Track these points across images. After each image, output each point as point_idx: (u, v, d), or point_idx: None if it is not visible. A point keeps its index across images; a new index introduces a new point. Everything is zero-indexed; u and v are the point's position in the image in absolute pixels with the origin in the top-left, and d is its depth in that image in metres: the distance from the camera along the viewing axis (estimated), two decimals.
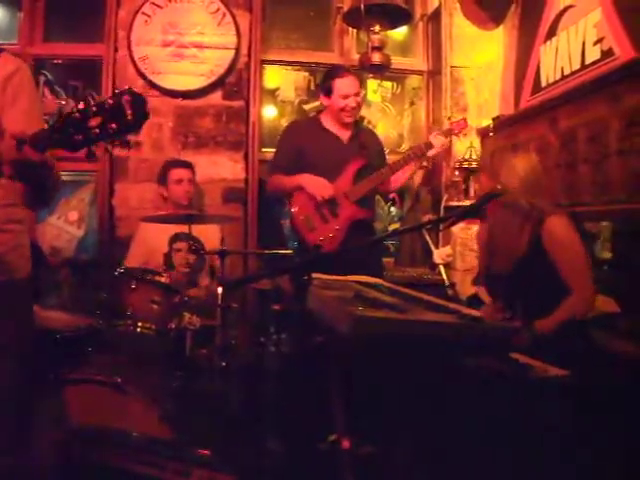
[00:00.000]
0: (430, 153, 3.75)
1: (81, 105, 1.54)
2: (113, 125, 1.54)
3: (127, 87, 1.57)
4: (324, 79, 3.78)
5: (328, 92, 3.66)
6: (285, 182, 3.65)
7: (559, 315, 2.56)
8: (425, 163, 3.87)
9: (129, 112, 1.53)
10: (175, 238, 3.88)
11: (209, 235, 3.92)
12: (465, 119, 3.95)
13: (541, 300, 2.59)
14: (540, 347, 2.35)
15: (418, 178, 4.93)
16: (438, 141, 3.69)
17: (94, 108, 1.54)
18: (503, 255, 2.75)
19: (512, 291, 2.73)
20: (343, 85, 3.64)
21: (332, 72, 3.80)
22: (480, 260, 3.06)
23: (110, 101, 1.54)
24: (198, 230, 3.67)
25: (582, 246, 2.64)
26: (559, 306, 2.57)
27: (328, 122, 3.73)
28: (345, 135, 3.72)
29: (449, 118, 4.57)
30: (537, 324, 2.52)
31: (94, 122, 1.54)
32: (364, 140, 3.74)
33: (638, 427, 2.25)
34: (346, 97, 3.63)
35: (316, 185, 3.55)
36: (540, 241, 2.61)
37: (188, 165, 4.12)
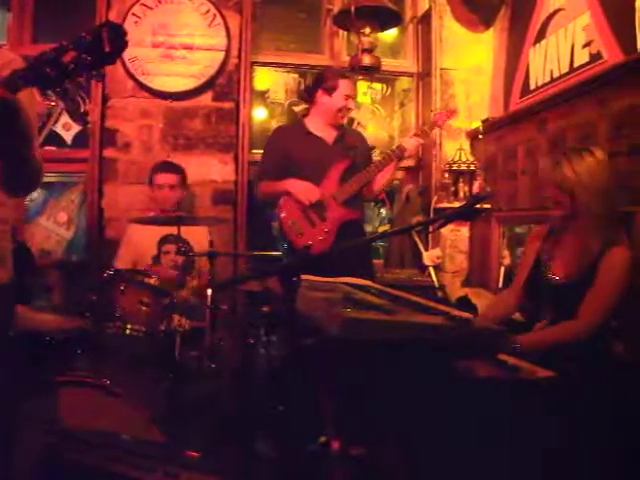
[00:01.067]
0: (406, 154, 3.73)
1: (57, 44, 1.51)
2: (88, 58, 1.50)
3: (105, 20, 1.53)
4: (327, 77, 3.75)
5: (331, 90, 3.67)
6: (273, 188, 3.66)
7: (547, 336, 2.53)
8: (412, 163, 3.85)
9: (107, 44, 1.49)
10: (164, 240, 3.88)
11: (198, 237, 3.91)
12: (450, 110, 3.96)
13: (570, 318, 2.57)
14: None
15: (407, 179, 4.93)
16: (409, 143, 3.68)
17: (70, 45, 1.50)
18: (565, 267, 2.70)
19: (554, 300, 2.70)
20: (347, 86, 3.70)
21: (336, 71, 3.86)
22: (536, 262, 2.96)
23: (88, 36, 1.50)
24: (186, 232, 3.66)
25: (623, 287, 2.55)
26: (551, 327, 2.55)
27: (313, 125, 3.73)
28: (330, 137, 3.72)
29: (432, 110, 4.58)
30: (520, 339, 2.46)
31: (68, 57, 1.49)
32: (350, 141, 3.74)
33: (628, 427, 2.26)
34: (348, 98, 3.68)
35: (302, 189, 3.55)
36: (598, 264, 2.52)
37: (173, 169, 4.08)
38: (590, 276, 2.52)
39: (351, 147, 3.69)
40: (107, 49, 1.49)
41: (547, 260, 2.77)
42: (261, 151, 3.97)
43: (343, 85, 3.67)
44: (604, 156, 2.64)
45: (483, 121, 4.53)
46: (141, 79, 4.43)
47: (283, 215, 3.60)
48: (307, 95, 3.91)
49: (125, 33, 1.53)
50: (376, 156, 4.17)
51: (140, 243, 3.91)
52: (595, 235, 2.55)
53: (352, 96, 3.74)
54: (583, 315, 2.50)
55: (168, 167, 4.10)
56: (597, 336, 2.49)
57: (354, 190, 3.61)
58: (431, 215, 4.62)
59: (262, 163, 3.84)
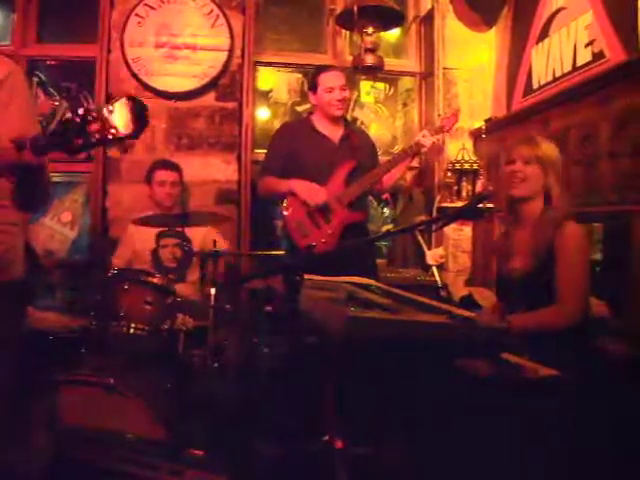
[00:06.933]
0: (422, 152, 3.73)
1: (81, 110, 1.55)
2: (113, 131, 1.55)
3: (129, 95, 1.59)
4: (311, 77, 3.80)
5: (314, 88, 3.67)
6: (276, 186, 3.64)
7: (534, 318, 2.45)
8: (415, 163, 3.86)
9: (129, 118, 1.54)
10: (162, 234, 3.88)
11: (197, 232, 3.91)
12: (456, 114, 3.95)
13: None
14: (532, 347, 2.36)
15: (411, 179, 4.94)
16: (427, 141, 3.67)
17: (94, 113, 1.55)
18: (522, 257, 2.67)
19: (525, 297, 2.66)
20: (327, 79, 3.64)
21: (318, 69, 3.83)
22: (494, 260, 2.94)
23: (110, 107, 1.55)
24: (189, 230, 3.68)
25: (588, 261, 2.53)
26: (538, 311, 2.48)
27: (319, 122, 3.73)
28: (336, 135, 3.70)
29: (439, 115, 4.59)
30: (510, 318, 2.38)
31: (94, 127, 1.55)
32: (355, 141, 3.72)
33: (629, 426, 2.26)
34: (331, 90, 3.62)
35: (308, 191, 3.52)
36: (553, 244, 2.49)
37: (173, 167, 4.11)
38: (548, 260, 2.50)
39: (357, 148, 3.68)
40: (130, 124, 1.55)
41: (505, 255, 2.76)
42: (264, 151, 3.97)
43: (322, 79, 3.64)
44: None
45: (486, 120, 4.53)
46: (144, 79, 4.45)
47: (287, 215, 3.58)
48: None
49: (146, 108, 1.60)
50: (380, 155, 4.17)
51: (139, 240, 3.93)
52: (553, 211, 2.55)
53: (337, 86, 3.63)
54: (564, 299, 2.45)
55: (167, 164, 4.13)
56: (582, 330, 2.49)
57: (359, 192, 3.60)
58: (434, 214, 4.63)
59: (266, 159, 3.83)
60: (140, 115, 1.57)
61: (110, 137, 1.56)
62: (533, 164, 2.60)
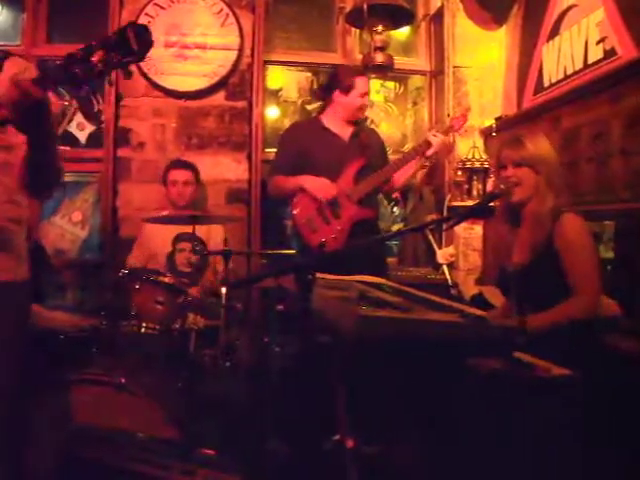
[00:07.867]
0: (429, 152, 3.68)
1: (84, 46, 1.55)
2: (116, 57, 1.54)
3: (129, 21, 1.57)
4: (343, 76, 3.72)
5: (348, 89, 3.65)
6: (286, 184, 3.64)
7: (553, 315, 2.44)
8: (426, 162, 3.85)
9: (133, 43, 1.53)
10: (178, 238, 3.90)
11: (213, 235, 3.93)
12: (465, 114, 3.93)
13: (549, 303, 2.49)
14: (543, 346, 2.35)
15: (421, 177, 4.93)
16: (436, 139, 3.65)
17: (98, 45, 1.54)
18: (521, 252, 2.67)
19: (523, 291, 2.66)
20: (362, 84, 3.67)
21: (352, 70, 3.85)
22: (495, 258, 2.93)
23: (113, 37, 1.54)
24: (201, 230, 3.68)
25: (594, 249, 2.53)
26: (556, 306, 2.46)
27: (329, 121, 3.72)
28: (346, 134, 3.71)
29: (448, 115, 4.58)
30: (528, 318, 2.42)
31: (96, 57, 1.54)
32: (365, 139, 3.72)
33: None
34: (364, 95, 3.67)
35: (318, 186, 3.53)
36: (552, 238, 2.49)
37: (187, 166, 4.14)
38: (546, 253, 2.50)
39: (367, 145, 3.68)
40: (134, 47, 1.53)
41: (506, 252, 2.73)
42: (274, 150, 3.97)
43: (359, 83, 3.65)
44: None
45: (496, 119, 4.52)
46: (154, 78, 4.46)
47: (297, 212, 3.58)
48: (323, 94, 3.92)
49: (149, 31, 1.57)
50: (390, 154, 4.16)
51: (154, 241, 3.94)
52: (549, 207, 2.52)
53: (368, 93, 3.73)
54: (579, 290, 2.44)
55: (181, 164, 4.16)
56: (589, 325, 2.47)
57: (369, 189, 3.60)
58: (445, 213, 4.62)
59: (276, 159, 3.83)
60: (142, 37, 1.55)
61: (113, 63, 1.54)
62: (523, 166, 2.58)
